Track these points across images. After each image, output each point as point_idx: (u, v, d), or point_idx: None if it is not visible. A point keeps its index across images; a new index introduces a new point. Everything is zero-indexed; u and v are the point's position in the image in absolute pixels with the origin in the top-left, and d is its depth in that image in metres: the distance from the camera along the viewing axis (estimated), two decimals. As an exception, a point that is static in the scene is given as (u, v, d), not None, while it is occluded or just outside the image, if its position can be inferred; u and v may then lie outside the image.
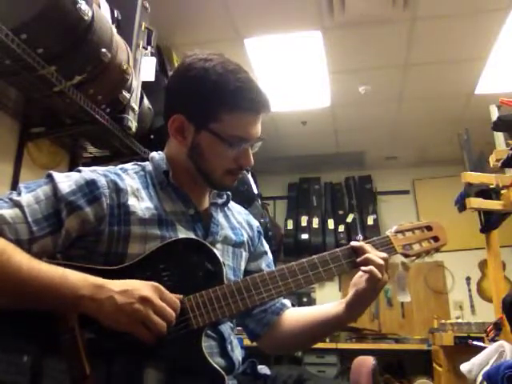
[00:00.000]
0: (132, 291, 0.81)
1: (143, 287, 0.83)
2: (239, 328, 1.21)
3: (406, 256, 1.06)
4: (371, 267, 0.98)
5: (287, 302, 1.20)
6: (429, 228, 1.11)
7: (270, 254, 1.24)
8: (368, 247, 1.02)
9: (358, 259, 1.00)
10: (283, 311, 1.17)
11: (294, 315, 1.16)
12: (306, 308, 1.19)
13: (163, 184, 1.04)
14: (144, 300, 0.81)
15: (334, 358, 4.03)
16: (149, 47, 2.40)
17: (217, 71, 0.98)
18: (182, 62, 1.05)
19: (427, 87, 3.64)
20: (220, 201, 1.14)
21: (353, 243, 1.03)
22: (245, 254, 1.15)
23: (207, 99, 0.99)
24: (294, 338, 1.14)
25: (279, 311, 1.16)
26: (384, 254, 1.01)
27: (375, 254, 1.00)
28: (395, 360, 4.26)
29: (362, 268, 0.99)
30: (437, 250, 1.10)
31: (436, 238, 1.10)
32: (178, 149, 1.06)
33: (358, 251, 1.01)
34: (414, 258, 1.08)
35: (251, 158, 1.04)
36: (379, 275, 0.97)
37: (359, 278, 1.03)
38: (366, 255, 1.00)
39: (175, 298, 0.85)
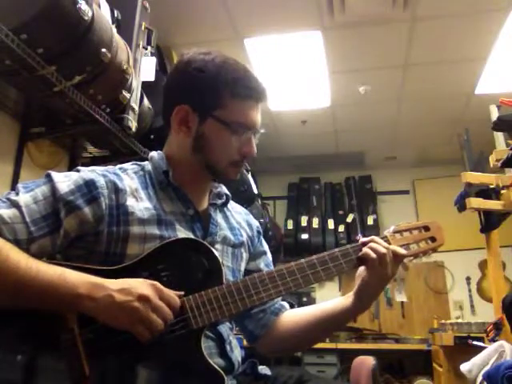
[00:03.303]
0: (130, 289, 0.81)
1: (142, 286, 0.83)
2: (239, 328, 1.20)
3: (402, 257, 1.06)
4: (366, 250, 0.99)
5: (286, 303, 1.20)
6: (426, 228, 1.11)
7: (269, 255, 1.24)
8: (376, 239, 1.02)
9: (364, 247, 1.01)
10: (282, 312, 1.17)
11: (293, 315, 1.16)
12: (306, 307, 1.18)
13: (163, 184, 1.04)
14: (143, 298, 0.81)
15: (334, 358, 4.03)
16: (149, 47, 2.40)
17: (216, 63, 1.02)
18: (181, 59, 1.08)
19: (427, 87, 3.64)
20: (219, 201, 1.14)
21: (362, 238, 1.04)
22: (245, 255, 1.15)
23: (210, 87, 1.01)
24: (294, 337, 1.13)
25: (278, 312, 1.16)
26: (400, 250, 1.02)
27: (380, 244, 1.00)
28: (395, 360, 4.26)
29: (360, 254, 1.00)
30: (434, 250, 1.10)
31: (433, 239, 1.10)
32: (180, 144, 1.06)
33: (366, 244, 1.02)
34: (412, 258, 1.08)
35: (254, 146, 1.05)
36: (373, 255, 0.98)
37: (362, 271, 1.03)
38: (370, 244, 1.01)
39: (175, 295, 0.85)
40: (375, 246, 1.00)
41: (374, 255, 0.98)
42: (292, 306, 1.21)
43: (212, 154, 1.03)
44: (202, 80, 1.02)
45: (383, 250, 0.99)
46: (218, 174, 1.06)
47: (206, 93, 1.01)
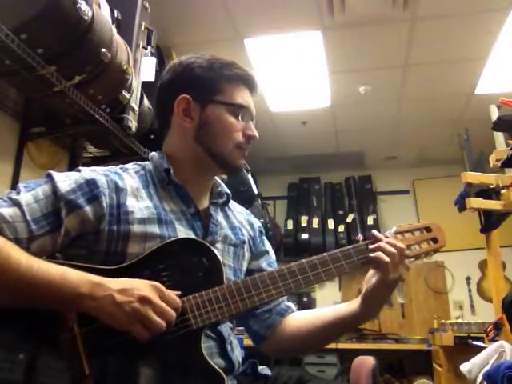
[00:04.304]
0: (132, 290, 0.81)
1: (143, 287, 0.83)
2: (239, 328, 1.20)
3: (406, 257, 1.06)
4: (378, 253, 0.98)
5: (292, 305, 1.19)
6: (428, 229, 1.11)
7: (271, 254, 1.23)
8: (384, 237, 1.02)
9: (371, 246, 1.01)
10: (288, 313, 1.16)
11: (301, 317, 1.15)
12: (314, 310, 1.17)
13: (164, 182, 1.05)
14: (143, 300, 0.81)
15: (334, 358, 4.04)
16: (149, 47, 2.40)
17: (206, 57, 1.09)
18: (173, 62, 1.13)
19: (427, 87, 3.64)
20: (220, 200, 1.14)
21: (374, 232, 1.04)
22: (247, 254, 1.15)
23: (206, 75, 1.06)
24: (301, 339, 1.12)
25: (284, 313, 1.15)
26: (400, 244, 1.01)
27: (389, 243, 1.00)
28: (395, 360, 4.26)
29: (371, 254, 0.99)
30: (435, 251, 1.10)
31: (435, 240, 1.10)
32: (181, 140, 1.07)
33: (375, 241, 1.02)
34: (414, 259, 1.07)
35: (255, 130, 1.08)
36: (386, 259, 0.97)
37: (372, 275, 1.02)
38: (378, 243, 1.00)
39: (176, 296, 0.85)
40: (384, 246, 0.99)
41: (387, 259, 0.98)
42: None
43: (217, 140, 1.05)
44: (197, 71, 1.06)
45: (392, 250, 0.99)
46: (223, 161, 1.06)
47: (203, 81, 1.05)
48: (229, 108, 1.05)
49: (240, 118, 1.06)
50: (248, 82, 1.09)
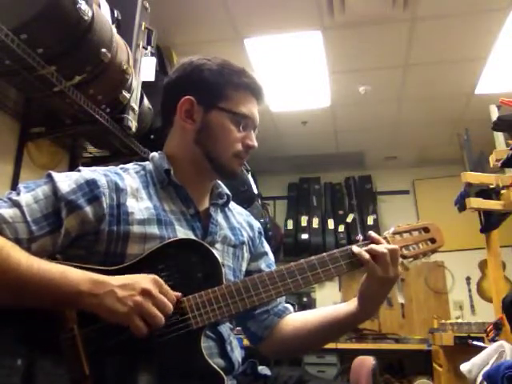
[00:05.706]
0: (133, 284, 0.81)
1: (143, 280, 0.83)
2: (239, 328, 1.20)
3: (404, 257, 1.06)
4: (360, 250, 0.99)
5: (290, 306, 1.19)
6: (426, 229, 1.11)
7: (270, 255, 1.24)
8: (379, 238, 1.03)
9: (364, 248, 1.01)
10: (286, 314, 1.16)
11: (299, 318, 1.15)
12: (313, 310, 1.17)
13: (164, 183, 1.05)
14: (144, 292, 0.81)
15: (334, 358, 4.04)
16: (149, 47, 2.40)
17: (217, 61, 1.08)
18: (183, 60, 1.11)
19: (427, 87, 3.64)
20: (220, 201, 1.14)
21: (370, 233, 1.05)
22: (246, 255, 1.15)
23: (213, 80, 1.05)
24: (299, 339, 1.12)
25: (281, 314, 1.15)
26: (394, 246, 1.01)
27: (381, 245, 1.00)
28: (395, 360, 4.26)
29: (361, 258, 0.99)
30: (433, 251, 1.10)
31: (433, 240, 1.10)
32: (182, 141, 1.07)
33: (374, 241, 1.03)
34: (412, 259, 1.08)
35: (255, 140, 1.08)
36: (366, 256, 0.98)
37: (367, 274, 1.02)
38: (370, 246, 1.00)
39: (171, 290, 0.85)
40: (375, 247, 1.00)
41: (367, 256, 0.98)
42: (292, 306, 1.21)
43: (216, 146, 1.05)
44: (206, 74, 1.05)
45: (382, 250, 0.99)
46: (221, 167, 1.06)
47: (210, 85, 1.05)
48: (232, 117, 1.04)
49: (241, 127, 1.05)
50: (255, 92, 1.08)
